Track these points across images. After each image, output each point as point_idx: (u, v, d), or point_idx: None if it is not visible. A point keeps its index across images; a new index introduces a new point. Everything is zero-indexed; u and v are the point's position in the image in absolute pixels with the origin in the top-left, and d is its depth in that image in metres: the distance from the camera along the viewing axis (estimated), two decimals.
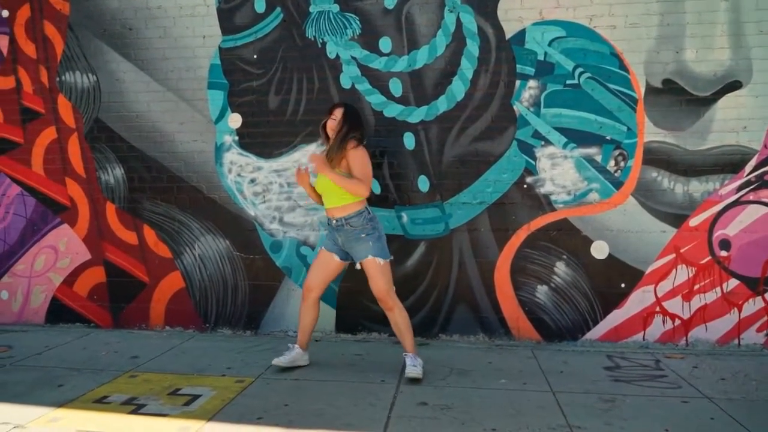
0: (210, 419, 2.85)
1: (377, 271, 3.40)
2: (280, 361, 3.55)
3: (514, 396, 3.13)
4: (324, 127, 3.55)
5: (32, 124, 4.59)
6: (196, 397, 3.14)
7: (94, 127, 4.51)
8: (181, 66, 4.37)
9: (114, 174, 4.52)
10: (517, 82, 4.03)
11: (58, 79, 4.54)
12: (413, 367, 3.36)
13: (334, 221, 3.46)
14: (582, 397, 3.12)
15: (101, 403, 3.07)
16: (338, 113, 3.50)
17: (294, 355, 3.58)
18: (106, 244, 4.54)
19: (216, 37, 4.31)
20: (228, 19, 4.30)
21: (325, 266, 3.56)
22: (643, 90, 3.93)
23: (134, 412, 2.96)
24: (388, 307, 3.46)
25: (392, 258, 3.54)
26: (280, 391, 3.23)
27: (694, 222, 3.92)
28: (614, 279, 4.00)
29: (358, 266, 3.61)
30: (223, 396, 3.14)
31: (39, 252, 4.65)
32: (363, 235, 3.41)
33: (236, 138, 4.34)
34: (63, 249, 4.61)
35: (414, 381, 3.32)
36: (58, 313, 4.64)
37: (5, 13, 4.58)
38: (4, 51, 4.59)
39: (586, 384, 3.30)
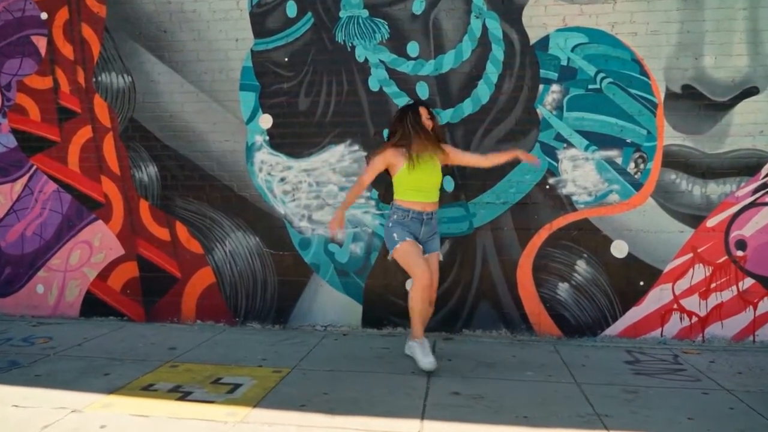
0: (255, 406, 3.01)
1: (438, 264, 3.81)
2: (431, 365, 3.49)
3: (541, 387, 3.28)
4: (420, 123, 3.71)
5: (69, 123, 4.75)
6: (237, 385, 3.30)
7: (129, 126, 4.67)
8: (215, 68, 4.52)
9: (148, 172, 4.67)
10: (541, 87, 4.17)
11: (94, 79, 4.69)
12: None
13: (426, 214, 3.67)
14: (606, 388, 3.26)
15: (148, 391, 3.23)
16: (425, 112, 3.78)
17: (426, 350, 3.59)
18: (139, 240, 4.70)
19: (248, 40, 4.46)
20: (260, 23, 4.45)
21: (421, 254, 3.65)
22: (662, 95, 4.07)
23: (181, 398, 3.11)
24: (434, 300, 3.75)
25: None
26: (318, 380, 3.38)
27: (711, 223, 4.06)
28: (633, 277, 4.14)
29: (389, 258, 3.76)
30: (264, 385, 3.30)
31: (74, 247, 4.81)
32: (437, 229, 3.83)
33: (267, 138, 4.49)
34: (97, 244, 4.77)
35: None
36: (93, 306, 4.80)
37: (44, 16, 4.73)
38: (42, 52, 4.75)
39: (608, 376, 3.45)
